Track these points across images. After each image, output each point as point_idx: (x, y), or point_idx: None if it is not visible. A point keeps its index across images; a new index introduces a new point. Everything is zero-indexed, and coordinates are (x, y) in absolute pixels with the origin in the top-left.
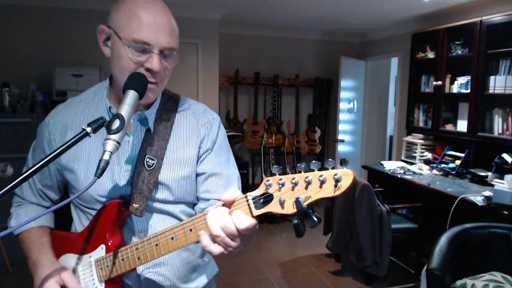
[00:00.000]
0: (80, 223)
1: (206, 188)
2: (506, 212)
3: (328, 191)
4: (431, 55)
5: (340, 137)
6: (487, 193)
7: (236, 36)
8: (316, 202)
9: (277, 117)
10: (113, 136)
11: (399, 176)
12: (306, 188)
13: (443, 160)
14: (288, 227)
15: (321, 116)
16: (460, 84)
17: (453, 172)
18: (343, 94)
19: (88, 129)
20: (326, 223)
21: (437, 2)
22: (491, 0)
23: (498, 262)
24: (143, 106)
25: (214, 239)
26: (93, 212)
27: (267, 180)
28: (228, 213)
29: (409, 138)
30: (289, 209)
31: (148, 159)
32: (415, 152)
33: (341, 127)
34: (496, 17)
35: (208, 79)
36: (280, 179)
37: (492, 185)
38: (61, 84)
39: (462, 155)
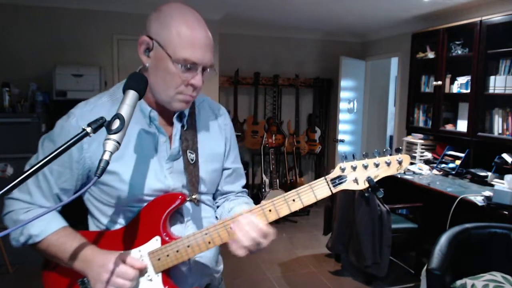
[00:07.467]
0: (112, 221)
1: (228, 182)
2: (506, 212)
3: (393, 170)
4: (431, 55)
5: (340, 137)
6: (487, 193)
7: (236, 36)
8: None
9: (277, 117)
10: (113, 136)
11: (399, 176)
12: (375, 169)
13: (443, 160)
14: (288, 227)
15: (321, 116)
16: (460, 84)
17: (453, 172)
18: (343, 94)
19: (88, 129)
20: (326, 223)
21: (437, 2)
22: (491, 0)
23: (498, 262)
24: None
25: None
26: (134, 209)
27: (341, 166)
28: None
29: (409, 138)
30: (362, 185)
31: (189, 154)
32: (415, 152)
33: (341, 127)
34: (496, 17)
35: (208, 79)
36: (353, 164)
37: (492, 185)
38: (61, 84)
39: (462, 155)
